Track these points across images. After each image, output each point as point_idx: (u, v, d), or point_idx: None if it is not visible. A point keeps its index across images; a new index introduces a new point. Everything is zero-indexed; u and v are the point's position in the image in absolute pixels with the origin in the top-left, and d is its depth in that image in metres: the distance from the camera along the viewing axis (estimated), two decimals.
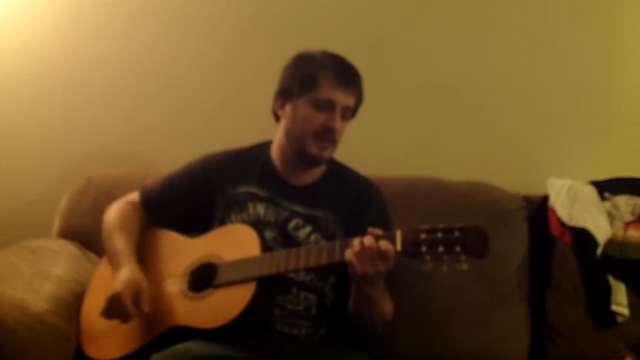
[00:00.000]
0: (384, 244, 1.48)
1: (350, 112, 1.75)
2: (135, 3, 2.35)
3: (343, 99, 1.71)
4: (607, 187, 2.19)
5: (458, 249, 1.42)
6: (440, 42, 2.36)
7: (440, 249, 1.43)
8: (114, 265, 1.73)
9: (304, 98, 1.71)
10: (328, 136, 1.71)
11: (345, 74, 1.73)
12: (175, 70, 2.38)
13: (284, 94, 1.76)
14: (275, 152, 1.82)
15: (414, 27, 2.36)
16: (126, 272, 1.67)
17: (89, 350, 1.73)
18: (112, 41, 2.36)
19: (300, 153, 1.75)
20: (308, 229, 1.75)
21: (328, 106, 1.70)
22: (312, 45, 1.77)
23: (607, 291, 2.03)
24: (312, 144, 1.71)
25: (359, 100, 1.76)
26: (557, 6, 2.34)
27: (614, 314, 2.02)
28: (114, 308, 1.63)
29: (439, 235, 1.44)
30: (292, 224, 1.76)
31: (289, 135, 1.76)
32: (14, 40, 2.36)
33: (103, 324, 1.72)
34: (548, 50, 2.35)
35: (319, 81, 1.70)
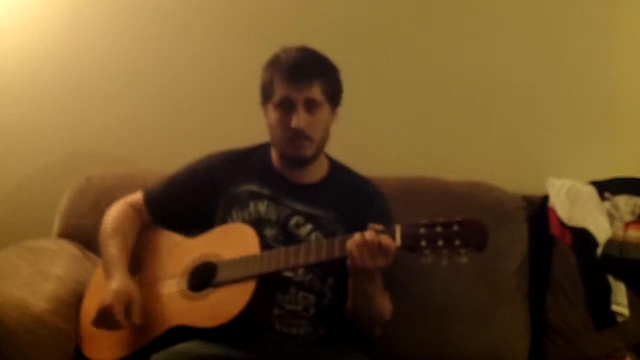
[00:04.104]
0: (385, 239, 1.49)
1: (316, 103, 1.70)
2: (134, 3, 2.35)
3: (297, 93, 1.68)
4: (607, 187, 2.19)
5: (457, 242, 1.43)
6: (441, 42, 2.36)
7: (440, 242, 1.44)
8: (106, 273, 1.73)
9: (269, 103, 1.74)
10: (299, 135, 1.70)
11: (294, 69, 1.69)
12: (174, 70, 2.38)
13: (262, 100, 1.78)
14: (273, 152, 1.83)
15: (414, 26, 2.36)
16: (116, 282, 1.67)
17: (88, 351, 1.73)
18: (112, 41, 2.36)
19: (282, 156, 1.77)
20: (309, 226, 1.75)
21: (288, 105, 1.69)
22: (313, 46, 1.77)
23: (607, 291, 2.03)
24: (288, 145, 1.72)
25: (327, 88, 1.72)
26: (557, 6, 2.34)
27: (614, 314, 2.02)
28: (104, 319, 1.63)
29: (438, 229, 1.45)
30: (293, 222, 1.76)
31: (271, 139, 1.79)
32: (14, 40, 2.35)
33: None
34: (548, 51, 2.35)
35: (275, 84, 1.71)
